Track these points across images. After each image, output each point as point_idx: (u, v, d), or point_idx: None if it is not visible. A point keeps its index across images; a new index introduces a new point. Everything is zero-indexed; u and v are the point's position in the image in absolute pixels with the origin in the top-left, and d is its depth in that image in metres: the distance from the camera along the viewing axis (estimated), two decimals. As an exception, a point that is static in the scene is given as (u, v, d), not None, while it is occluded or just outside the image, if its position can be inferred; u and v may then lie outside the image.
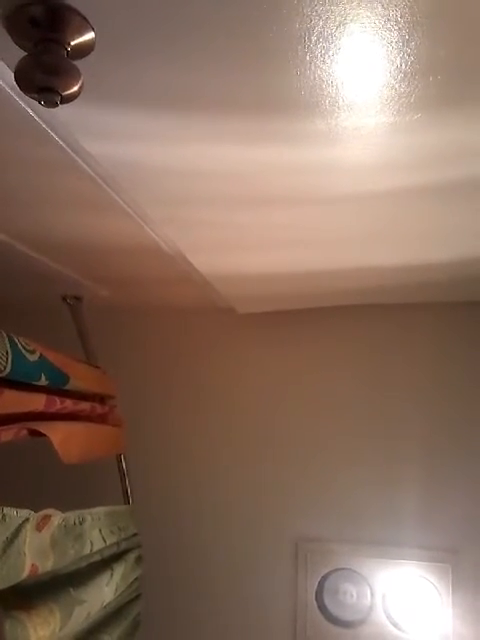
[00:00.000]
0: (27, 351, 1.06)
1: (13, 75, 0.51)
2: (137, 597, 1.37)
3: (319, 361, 1.69)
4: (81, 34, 0.51)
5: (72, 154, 0.77)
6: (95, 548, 1.17)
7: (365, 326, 1.67)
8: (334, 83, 0.59)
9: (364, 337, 1.67)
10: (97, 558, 1.20)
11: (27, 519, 0.92)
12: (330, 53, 0.55)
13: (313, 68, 0.57)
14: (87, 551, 1.14)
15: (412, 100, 0.62)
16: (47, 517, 1.00)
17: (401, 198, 0.86)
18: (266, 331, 1.72)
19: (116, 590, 1.23)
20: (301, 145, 0.72)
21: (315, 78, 0.59)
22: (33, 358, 1.08)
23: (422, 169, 0.77)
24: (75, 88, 0.50)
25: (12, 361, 1.00)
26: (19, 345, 1.04)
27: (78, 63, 0.52)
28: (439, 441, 1.57)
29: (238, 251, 1.17)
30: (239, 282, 1.38)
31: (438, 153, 0.73)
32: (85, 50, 0.53)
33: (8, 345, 1.00)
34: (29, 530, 0.93)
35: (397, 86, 0.60)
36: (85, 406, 1.30)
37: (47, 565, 0.99)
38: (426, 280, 1.35)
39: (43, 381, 1.11)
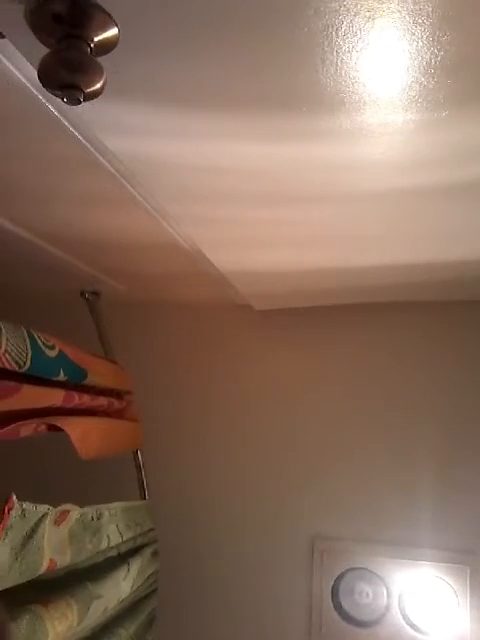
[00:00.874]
0: (46, 347, 1.07)
1: (36, 72, 0.51)
2: (153, 592, 1.38)
3: (337, 359, 1.67)
4: (104, 30, 0.51)
5: (92, 150, 0.77)
6: (112, 543, 1.18)
7: (383, 324, 1.66)
8: (360, 79, 0.58)
9: (382, 336, 1.66)
10: (114, 553, 1.21)
11: (46, 514, 0.93)
12: (357, 48, 0.53)
13: (339, 64, 0.56)
14: (104, 546, 1.14)
15: (440, 97, 0.60)
16: (65, 512, 1.00)
17: (424, 196, 0.85)
18: (283, 328, 1.71)
19: (133, 585, 1.23)
20: (325, 142, 0.70)
21: (341, 74, 0.58)
22: (52, 354, 1.09)
23: (447, 167, 0.75)
24: (98, 85, 0.50)
25: (32, 357, 1.00)
26: (38, 341, 1.04)
27: (101, 60, 0.52)
28: (458, 442, 1.55)
29: (257, 248, 1.16)
30: (257, 279, 1.37)
31: (464, 151, 0.71)
32: (108, 46, 0.52)
33: (28, 341, 1.00)
34: (48, 525, 0.93)
35: (425, 82, 0.59)
36: (103, 401, 1.30)
37: (65, 560, 1.00)
38: (447, 278, 1.33)
39: (62, 377, 1.11)
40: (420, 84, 0.58)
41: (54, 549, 0.95)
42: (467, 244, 1.08)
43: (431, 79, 0.57)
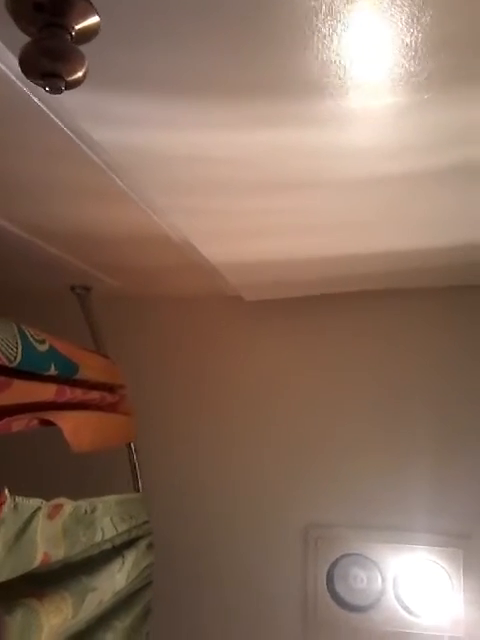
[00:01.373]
0: (37, 341, 1.07)
1: (16, 59, 0.50)
2: (148, 584, 1.38)
3: (329, 347, 1.68)
4: (85, 18, 0.50)
5: (78, 142, 0.77)
6: (106, 536, 1.18)
7: (374, 312, 1.66)
8: (342, 63, 0.58)
9: (373, 323, 1.66)
10: (108, 546, 1.21)
11: (39, 508, 0.93)
12: (337, 31, 0.54)
13: (320, 47, 0.56)
14: (98, 539, 1.15)
15: (423, 79, 0.61)
16: (59, 506, 1.01)
17: (412, 181, 0.85)
18: (274, 318, 1.71)
19: (128, 577, 1.24)
20: (309, 128, 0.70)
21: (323, 58, 0.58)
22: (43, 348, 1.08)
23: (434, 151, 0.76)
24: (80, 73, 0.49)
25: (22, 351, 1.00)
26: (29, 335, 1.04)
27: (83, 48, 0.52)
28: (450, 425, 1.57)
29: (246, 238, 1.16)
30: (247, 269, 1.37)
31: (449, 134, 0.71)
32: (90, 34, 0.52)
33: (18, 336, 1.00)
34: (41, 519, 0.93)
35: (407, 65, 0.59)
36: (95, 395, 1.30)
37: (59, 553, 1.00)
38: (437, 264, 1.34)
39: (53, 371, 1.11)
40: (402, 66, 0.59)
41: (48, 543, 0.96)
42: (457, 229, 1.08)
43: (412, 61, 0.58)
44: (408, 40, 0.54)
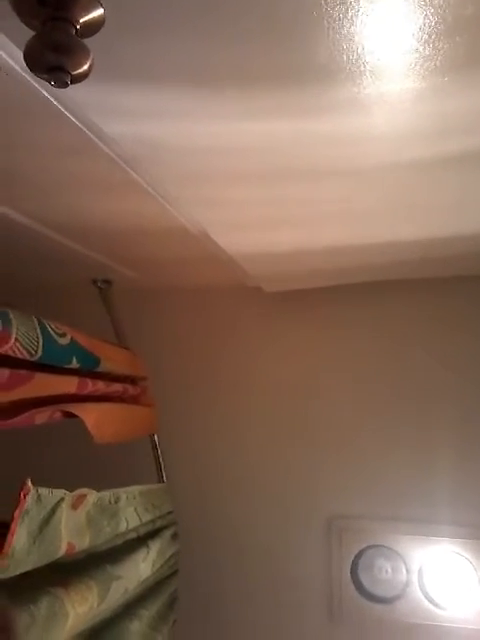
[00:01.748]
0: (58, 335, 1.08)
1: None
2: (174, 573, 1.40)
3: (350, 338, 1.66)
4: (89, 11, 0.50)
5: (90, 135, 0.77)
6: (131, 526, 1.20)
7: (398, 303, 1.64)
8: (354, 48, 0.57)
9: (395, 314, 1.64)
10: (133, 535, 1.23)
11: (62, 498, 0.94)
12: (349, 16, 0.52)
13: (331, 33, 0.55)
14: (122, 529, 1.16)
15: (438, 63, 0.59)
16: (82, 496, 1.02)
17: (429, 167, 0.83)
18: (294, 309, 1.70)
19: (153, 566, 1.25)
20: (324, 115, 0.69)
21: (334, 44, 0.56)
22: (64, 342, 1.10)
23: (449, 136, 0.73)
24: (85, 67, 0.49)
25: (43, 345, 1.01)
26: (49, 329, 1.05)
27: (88, 41, 0.51)
28: (474, 418, 1.54)
29: (263, 229, 1.15)
30: (265, 260, 1.36)
31: (465, 119, 0.69)
32: (94, 27, 0.52)
33: (39, 329, 1.01)
34: (65, 509, 0.95)
35: (421, 49, 0.57)
36: (117, 387, 1.32)
37: (84, 543, 1.01)
38: (458, 253, 1.31)
39: (74, 364, 1.13)
40: (416, 51, 0.57)
41: (72, 533, 0.97)
42: (476, 216, 1.05)
43: (427, 45, 0.56)
44: (422, 23, 0.53)
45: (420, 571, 1.49)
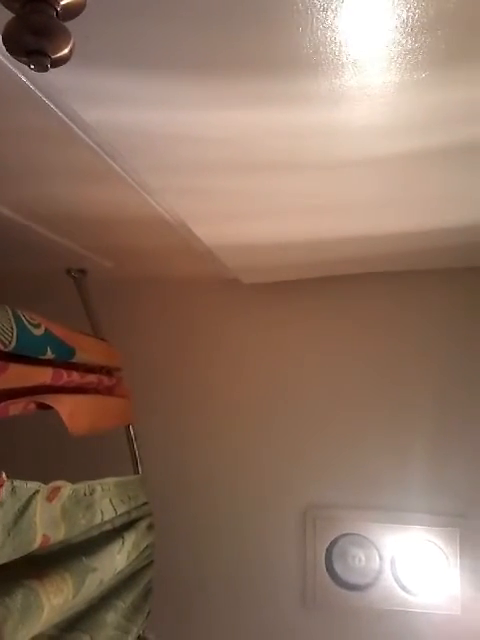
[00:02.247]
0: (32, 325, 1.06)
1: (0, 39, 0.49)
2: (149, 564, 1.40)
3: (327, 330, 1.68)
4: (71, -7, 0.49)
5: (68, 122, 0.75)
6: (106, 517, 1.19)
7: (373, 295, 1.66)
8: (337, 40, 0.57)
9: (373, 306, 1.66)
10: (108, 527, 1.22)
11: (37, 491, 0.93)
12: (333, 7, 0.52)
13: (315, 23, 0.54)
14: (98, 520, 1.15)
15: (420, 57, 0.59)
16: (57, 488, 1.01)
17: (408, 161, 0.83)
18: (273, 301, 1.71)
19: (128, 557, 1.25)
20: (305, 107, 0.69)
21: (317, 35, 0.56)
22: (38, 332, 1.08)
23: (430, 130, 0.74)
24: (66, 50, 0.48)
25: (17, 336, 0.99)
26: (24, 319, 1.03)
27: (69, 24, 0.50)
28: (448, 408, 1.57)
29: (242, 220, 1.15)
30: (243, 252, 1.36)
31: (446, 113, 0.70)
32: (75, 10, 0.50)
33: (13, 320, 1.00)
34: (40, 501, 0.94)
35: (404, 42, 0.57)
36: (92, 378, 1.30)
37: (59, 535, 1.00)
38: (435, 246, 1.33)
39: (49, 355, 1.11)
40: (399, 44, 0.57)
41: (47, 525, 0.96)
42: (457, 210, 1.07)
43: (409, 38, 0.56)
44: (404, 16, 0.53)
45: (393, 559, 1.52)
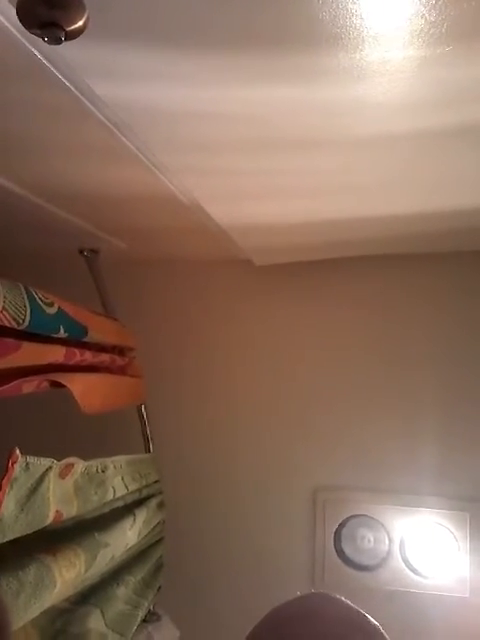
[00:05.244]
0: (45, 304, 1.06)
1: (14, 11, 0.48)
2: (160, 540, 1.42)
3: (339, 312, 1.67)
4: (85, -37, 0.48)
5: (82, 98, 0.74)
6: (117, 494, 1.21)
7: (384, 276, 1.64)
8: (358, 12, 0.55)
9: (384, 288, 1.64)
10: (120, 504, 1.24)
11: (50, 467, 0.94)
12: (354, -23, 0.50)
13: (335, -5, 0.53)
14: (110, 497, 1.17)
15: (443, 30, 0.57)
16: (70, 465, 1.02)
17: (428, 140, 0.81)
18: (284, 283, 1.70)
19: (139, 534, 1.27)
20: (323, 82, 0.67)
21: (337, 7, 0.54)
22: (51, 311, 1.08)
23: (452, 107, 0.72)
24: (80, 23, 0.47)
25: (31, 314, 0.99)
26: (37, 298, 1.03)
27: (83, -4, 0.49)
28: (458, 390, 1.56)
29: (255, 200, 1.14)
30: (256, 233, 1.34)
31: (469, 89, 0.68)
32: (90, -19, 0.49)
33: (26, 298, 1.00)
34: (53, 478, 0.95)
35: (427, 15, 0.55)
36: (104, 358, 1.31)
37: (71, 511, 1.02)
38: (448, 228, 1.31)
39: (62, 333, 1.11)
40: (422, 17, 0.55)
41: (60, 501, 0.98)
42: (473, 192, 1.05)
43: (433, 11, 0.54)
44: (429, -14, 0.51)
45: (402, 540, 1.53)
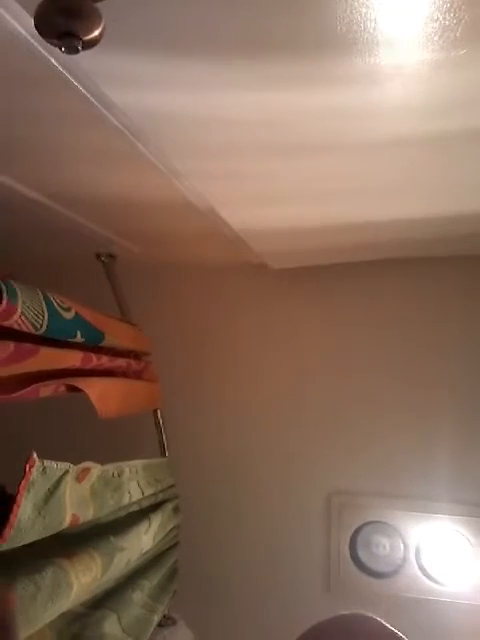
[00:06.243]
0: (62, 309, 1.07)
1: (33, 21, 0.49)
2: (175, 545, 1.42)
3: (354, 316, 1.66)
4: (101, -27, 0.48)
5: (97, 105, 0.75)
6: (133, 499, 1.21)
7: (400, 280, 1.63)
8: (372, 17, 0.55)
9: (400, 291, 1.63)
10: (136, 508, 1.24)
11: (67, 471, 0.95)
12: (368, -18, 0.50)
13: (349, 1, 0.53)
14: (126, 501, 1.17)
15: (458, 34, 0.57)
16: (86, 469, 1.03)
17: (443, 143, 0.81)
18: (300, 287, 1.69)
19: (154, 538, 1.27)
20: (338, 87, 0.67)
21: (351, 12, 0.54)
22: (68, 316, 1.09)
23: (466, 111, 0.72)
24: (96, 32, 0.48)
25: (48, 319, 1.01)
26: (54, 303, 1.05)
27: (99, 6, 0.50)
28: (475, 396, 1.54)
29: (270, 204, 1.14)
30: (271, 237, 1.34)
31: (485, 93, 0.68)
32: (106, -9, 0.50)
33: (44, 303, 1.01)
34: (69, 482, 0.96)
35: (441, 18, 0.55)
36: (121, 362, 1.32)
37: (88, 515, 1.02)
38: (465, 232, 1.30)
39: (79, 338, 1.12)
40: (436, 20, 0.55)
41: (76, 505, 0.98)
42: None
43: (447, 14, 0.54)
44: (443, -10, 0.51)
45: (417, 547, 1.51)
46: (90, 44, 0.49)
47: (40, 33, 0.47)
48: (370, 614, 0.77)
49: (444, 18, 0.55)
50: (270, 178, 0.99)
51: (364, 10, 0.54)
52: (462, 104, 0.71)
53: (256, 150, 0.88)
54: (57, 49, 0.50)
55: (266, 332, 1.72)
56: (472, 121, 0.75)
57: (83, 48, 0.49)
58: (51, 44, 0.48)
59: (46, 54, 0.64)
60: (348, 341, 1.65)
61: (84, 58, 0.59)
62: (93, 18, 0.48)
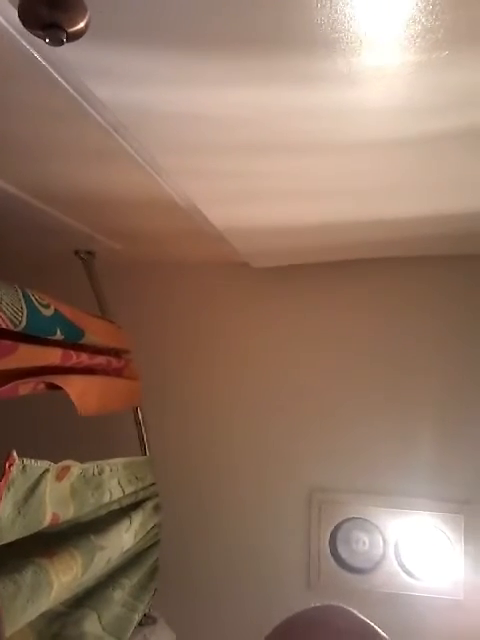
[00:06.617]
0: (42, 306, 1.06)
1: (17, 13, 0.48)
2: (155, 544, 1.42)
3: (335, 315, 1.67)
4: (86, -34, 0.48)
5: (80, 100, 0.75)
6: (114, 497, 1.20)
7: (381, 280, 1.65)
8: (355, 17, 0.55)
9: (381, 290, 1.65)
10: (116, 507, 1.24)
11: (47, 470, 0.94)
12: (352, -18, 0.51)
13: (333, 0, 0.53)
14: (106, 500, 1.17)
15: (440, 36, 0.58)
16: (66, 468, 1.02)
17: (425, 144, 0.82)
18: (281, 285, 1.70)
19: (135, 537, 1.26)
20: (320, 87, 0.68)
21: (335, 11, 0.55)
22: (48, 313, 1.08)
23: (448, 112, 0.73)
24: (81, 24, 0.47)
25: (27, 316, 1.00)
26: (34, 300, 1.03)
27: (84, -2, 0.49)
28: (454, 392, 1.57)
29: (253, 203, 1.14)
30: (254, 236, 1.35)
31: (466, 95, 0.69)
32: (91, -17, 0.50)
33: (23, 300, 1.00)
34: (49, 480, 0.95)
35: (424, 20, 0.56)
36: (101, 360, 1.31)
37: (68, 514, 1.02)
38: (447, 232, 1.32)
39: (59, 336, 1.11)
40: (418, 22, 0.56)
41: (56, 503, 0.97)
42: (469, 196, 1.06)
43: (430, 16, 0.55)
44: (426, -9, 0.52)
45: (397, 543, 1.53)
46: (75, 36, 0.48)
47: (24, 24, 0.47)
48: (343, 605, 0.78)
49: (426, 20, 0.56)
50: (253, 176, 1.00)
51: (348, 10, 0.55)
52: (444, 105, 0.72)
53: (239, 148, 0.88)
54: (40, 41, 0.50)
55: (247, 330, 1.72)
56: (454, 122, 0.76)
57: (67, 40, 0.48)
58: (35, 35, 0.48)
59: (28, 47, 0.63)
60: (330, 339, 1.67)
61: (68, 51, 0.59)
62: (78, 10, 0.48)
